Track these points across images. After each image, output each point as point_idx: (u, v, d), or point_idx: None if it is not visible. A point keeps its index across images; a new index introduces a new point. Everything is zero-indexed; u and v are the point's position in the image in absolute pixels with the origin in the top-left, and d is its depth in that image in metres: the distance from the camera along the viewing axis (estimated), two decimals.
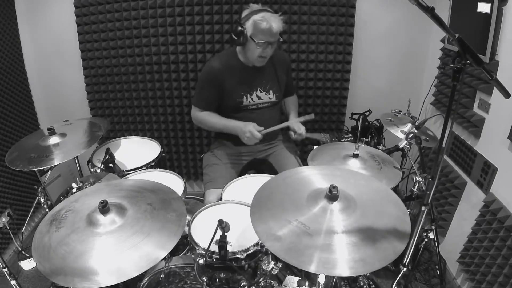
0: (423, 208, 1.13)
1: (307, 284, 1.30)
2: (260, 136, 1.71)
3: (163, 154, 1.96)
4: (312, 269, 0.89)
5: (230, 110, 1.86)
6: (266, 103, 1.90)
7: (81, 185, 1.54)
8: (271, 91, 1.90)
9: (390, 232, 0.99)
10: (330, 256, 0.91)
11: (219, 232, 1.12)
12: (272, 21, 1.64)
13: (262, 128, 1.73)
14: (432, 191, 1.08)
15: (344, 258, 0.91)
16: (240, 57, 1.83)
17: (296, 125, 1.84)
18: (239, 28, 1.68)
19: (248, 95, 1.85)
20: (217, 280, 1.28)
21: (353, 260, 0.90)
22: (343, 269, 0.89)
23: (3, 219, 2.02)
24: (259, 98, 1.88)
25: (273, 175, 1.72)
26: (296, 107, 2.09)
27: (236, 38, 1.70)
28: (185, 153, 2.72)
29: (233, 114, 1.85)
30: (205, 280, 1.26)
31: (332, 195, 1.05)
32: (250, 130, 1.70)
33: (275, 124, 2.00)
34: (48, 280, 1.06)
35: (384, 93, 2.53)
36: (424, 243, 1.84)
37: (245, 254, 1.22)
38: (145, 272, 1.38)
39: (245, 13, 1.70)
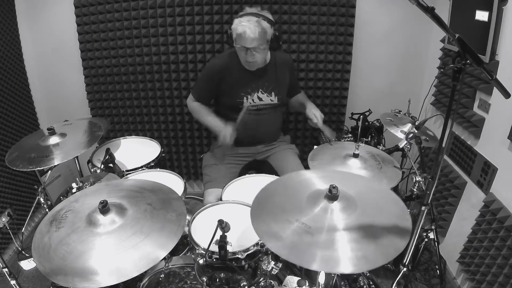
0: (423, 208, 1.13)
1: (307, 284, 1.30)
2: (230, 143, 1.76)
3: (163, 154, 1.96)
4: (314, 267, 0.89)
5: (231, 109, 1.86)
6: (267, 105, 1.89)
7: (81, 185, 1.54)
8: (273, 93, 1.89)
9: (391, 229, 1.00)
10: (332, 254, 0.91)
11: (219, 232, 1.12)
12: (248, 27, 1.59)
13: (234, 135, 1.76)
14: (432, 191, 1.08)
15: (346, 256, 0.91)
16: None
17: (310, 113, 1.84)
18: (229, 30, 1.71)
19: (249, 96, 1.85)
20: (217, 280, 1.28)
21: (356, 258, 0.90)
22: (346, 266, 0.89)
23: (3, 219, 2.02)
24: (260, 99, 1.87)
25: (273, 175, 1.74)
26: (307, 99, 2.05)
27: (228, 40, 1.74)
28: (185, 153, 2.72)
29: (233, 114, 1.84)
30: (205, 280, 1.27)
31: (332, 195, 1.05)
32: (224, 134, 1.75)
33: (276, 126, 2.00)
34: (48, 280, 1.06)
35: (384, 93, 2.53)
36: (424, 243, 1.84)
37: (245, 254, 1.22)
38: (145, 272, 1.38)
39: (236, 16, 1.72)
